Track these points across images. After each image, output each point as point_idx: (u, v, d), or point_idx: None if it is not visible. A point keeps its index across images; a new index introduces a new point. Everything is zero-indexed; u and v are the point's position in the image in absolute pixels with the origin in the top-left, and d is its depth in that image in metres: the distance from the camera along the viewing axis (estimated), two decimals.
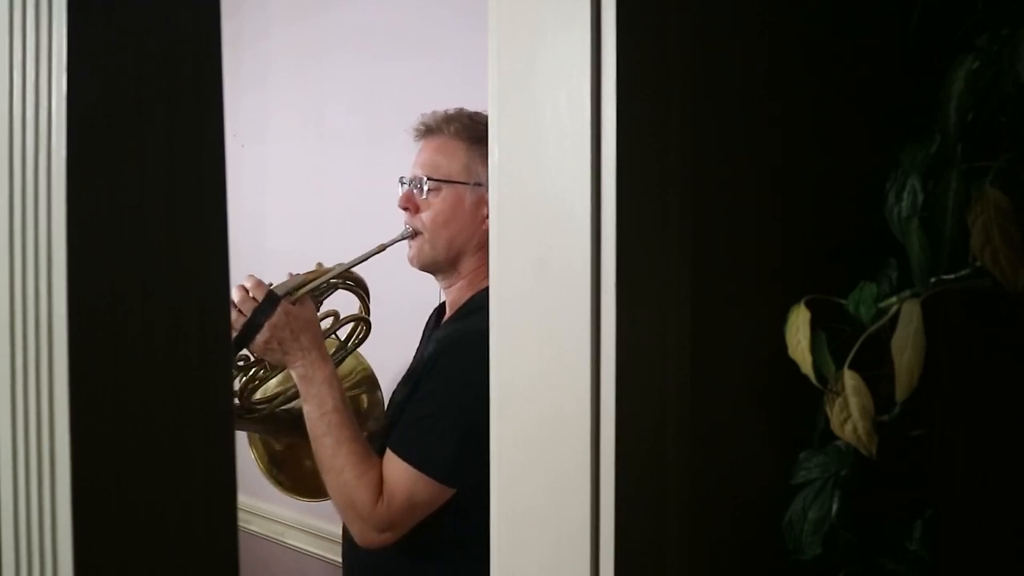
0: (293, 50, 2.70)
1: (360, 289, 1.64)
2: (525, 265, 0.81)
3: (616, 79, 0.74)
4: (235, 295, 1.47)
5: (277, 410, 1.63)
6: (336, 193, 2.56)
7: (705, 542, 0.84)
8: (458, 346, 1.46)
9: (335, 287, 1.60)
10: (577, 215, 0.76)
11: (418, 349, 1.73)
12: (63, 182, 0.61)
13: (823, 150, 0.92)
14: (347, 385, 1.68)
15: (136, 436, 0.65)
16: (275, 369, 1.59)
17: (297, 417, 1.65)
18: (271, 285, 1.51)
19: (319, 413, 1.46)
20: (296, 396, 1.60)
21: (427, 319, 1.78)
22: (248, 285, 1.48)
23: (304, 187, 2.68)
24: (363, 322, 1.66)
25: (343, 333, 1.67)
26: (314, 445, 1.47)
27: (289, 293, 1.49)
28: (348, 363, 1.71)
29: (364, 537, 1.45)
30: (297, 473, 1.71)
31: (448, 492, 1.42)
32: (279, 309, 1.46)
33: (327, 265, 1.58)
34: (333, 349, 1.63)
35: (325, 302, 1.61)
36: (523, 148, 0.81)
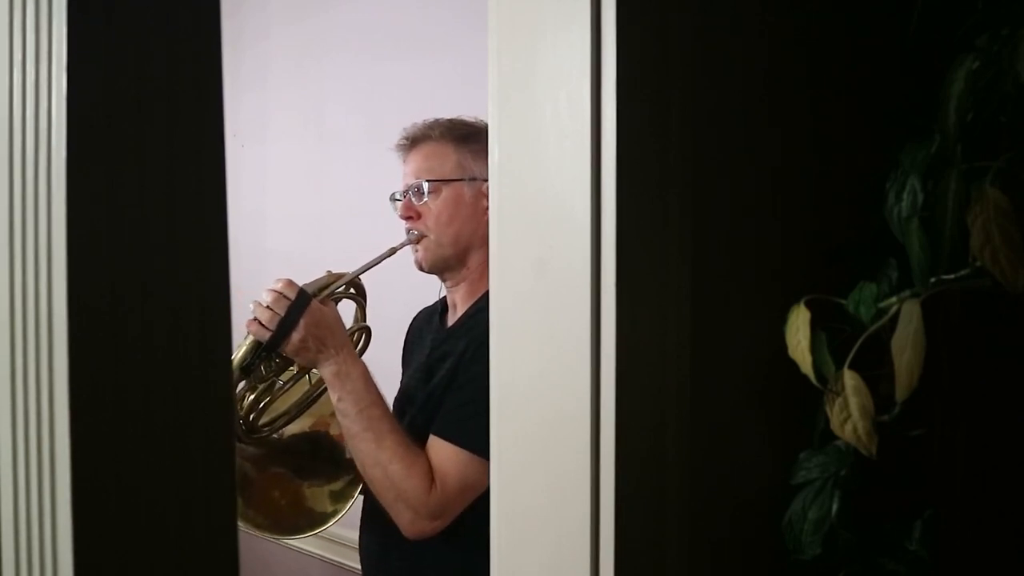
0: (293, 50, 2.70)
1: (361, 297, 1.65)
2: (525, 265, 0.81)
3: (616, 79, 0.74)
4: (266, 296, 1.48)
5: (271, 437, 1.62)
6: (336, 193, 2.56)
7: (705, 542, 0.84)
8: None
9: (341, 296, 1.61)
10: (577, 215, 0.76)
11: (411, 357, 1.72)
12: (63, 182, 0.61)
13: (823, 150, 0.92)
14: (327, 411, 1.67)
15: (136, 436, 0.65)
16: (279, 389, 1.58)
17: (287, 444, 1.66)
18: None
19: (357, 409, 1.46)
20: (290, 421, 1.61)
21: (411, 324, 1.77)
22: (278, 287, 1.49)
23: (304, 187, 2.68)
24: (364, 331, 1.66)
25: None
26: (352, 444, 1.47)
27: (315, 294, 1.51)
28: None
29: (415, 527, 1.44)
30: (271, 509, 1.69)
31: None
32: (312, 306, 1.48)
33: (332, 270, 1.59)
34: None
35: None
36: (523, 148, 0.81)
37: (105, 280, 0.63)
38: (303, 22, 2.66)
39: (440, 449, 1.44)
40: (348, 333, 1.61)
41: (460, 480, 1.42)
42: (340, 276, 1.57)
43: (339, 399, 1.48)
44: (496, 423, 0.84)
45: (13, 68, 0.64)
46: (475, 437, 1.41)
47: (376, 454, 1.45)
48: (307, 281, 1.54)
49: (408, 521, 1.44)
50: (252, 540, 2.63)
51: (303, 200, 2.67)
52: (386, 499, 1.46)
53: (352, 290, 1.62)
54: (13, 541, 0.65)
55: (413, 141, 1.61)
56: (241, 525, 1.63)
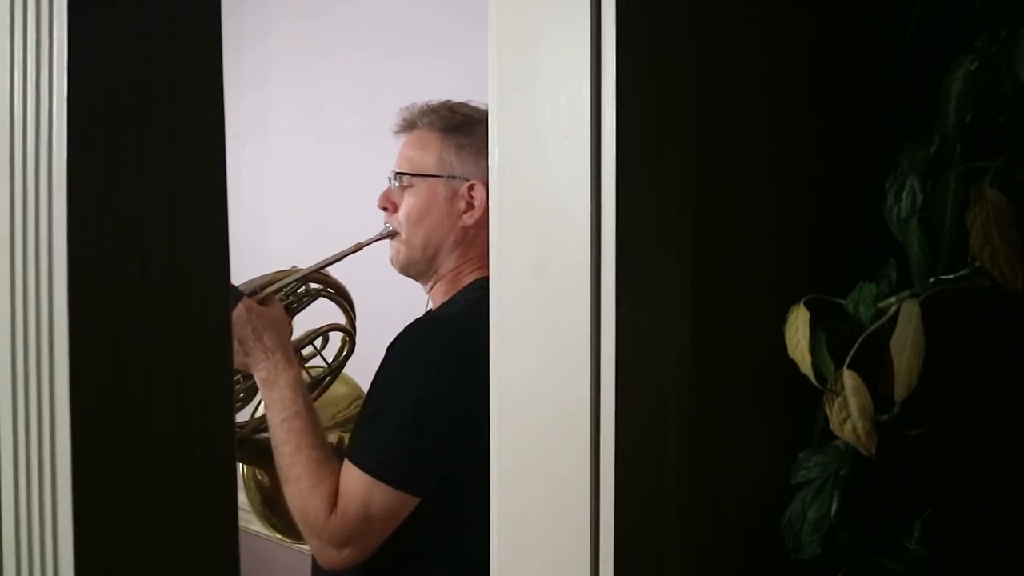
0: (293, 50, 2.70)
1: (341, 297, 1.54)
2: (525, 265, 0.81)
3: (616, 79, 0.74)
4: None
5: (257, 437, 1.53)
6: (336, 193, 2.56)
7: (705, 542, 0.84)
8: (410, 334, 1.36)
9: (315, 295, 1.51)
10: (577, 215, 0.76)
11: None
12: (63, 182, 0.61)
13: (823, 150, 0.92)
14: (340, 418, 1.59)
15: (136, 436, 0.65)
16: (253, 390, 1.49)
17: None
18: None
19: (280, 419, 1.35)
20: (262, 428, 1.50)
21: None
22: None
23: (304, 187, 2.68)
24: (343, 332, 1.55)
25: (329, 353, 1.57)
26: (275, 454, 1.36)
27: (254, 292, 1.41)
28: (340, 389, 1.59)
29: (322, 555, 1.32)
30: (287, 511, 1.60)
31: (409, 501, 1.29)
32: (240, 306, 1.37)
33: (297, 266, 1.51)
34: (318, 371, 1.54)
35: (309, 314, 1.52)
36: (523, 148, 0.81)
37: (106, 280, 0.63)
38: (303, 22, 2.66)
39: (346, 471, 1.31)
40: (321, 332, 1.52)
41: (361, 507, 1.28)
42: (287, 273, 1.46)
43: (267, 407, 1.38)
44: (496, 423, 0.84)
45: (14, 68, 0.64)
46: (377, 458, 1.29)
47: (289, 469, 1.33)
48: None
49: (316, 548, 1.32)
50: (252, 540, 2.63)
51: (303, 200, 2.67)
52: (296, 520, 1.35)
53: (331, 289, 1.52)
54: (14, 541, 0.66)
55: (408, 126, 1.50)
56: (276, 535, 1.58)
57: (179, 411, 0.67)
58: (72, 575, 0.62)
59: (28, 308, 0.64)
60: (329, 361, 1.56)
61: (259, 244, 2.61)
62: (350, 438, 1.39)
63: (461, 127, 1.45)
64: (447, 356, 1.32)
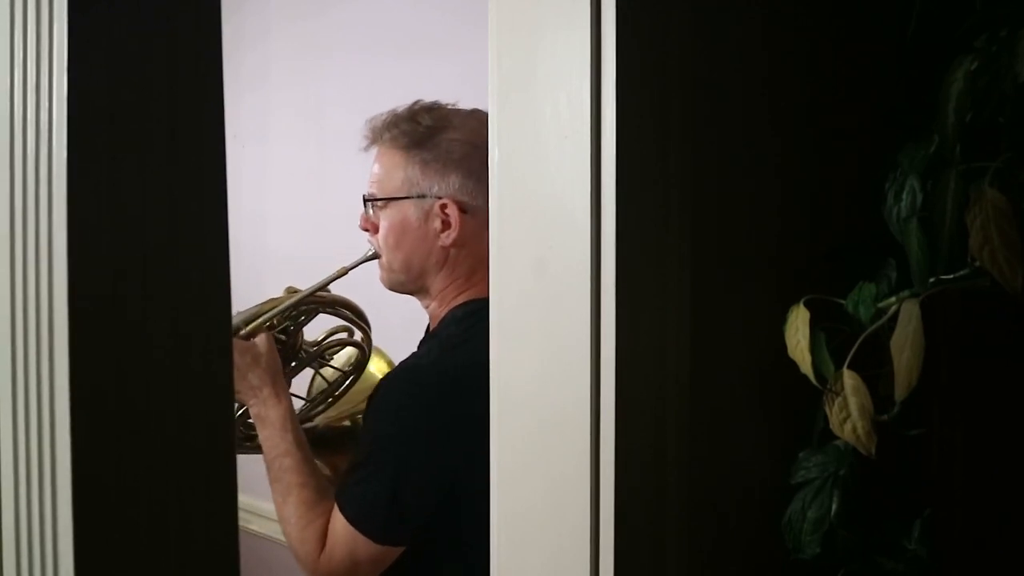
0: (293, 50, 2.70)
1: (346, 310, 1.51)
2: (525, 265, 0.81)
3: (616, 79, 0.74)
4: None
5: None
6: (336, 193, 2.56)
7: (705, 542, 0.84)
8: (387, 387, 1.37)
9: (315, 311, 1.49)
10: (577, 215, 0.76)
11: None
12: (63, 182, 0.61)
13: (823, 150, 0.92)
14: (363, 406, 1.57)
15: (136, 436, 0.65)
16: None
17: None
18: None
19: (270, 457, 1.38)
20: (305, 421, 1.51)
21: None
22: None
23: (304, 187, 2.68)
24: (355, 347, 1.54)
25: (340, 359, 1.56)
26: (271, 489, 1.39)
27: (236, 329, 1.39)
28: (375, 374, 1.58)
29: None
30: None
31: (394, 550, 1.32)
32: None
33: (294, 286, 1.48)
34: (333, 378, 1.55)
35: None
36: (523, 148, 0.81)
37: (105, 280, 0.63)
38: (303, 22, 2.66)
39: (335, 516, 1.32)
40: (327, 347, 1.51)
41: (348, 553, 1.30)
42: (276, 302, 1.43)
43: (261, 441, 1.39)
44: (496, 423, 0.84)
45: (14, 68, 0.64)
46: (360, 510, 1.30)
47: (281, 508, 1.36)
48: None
49: None
50: (252, 540, 2.63)
51: (304, 200, 2.67)
52: (293, 555, 1.38)
53: (338, 305, 1.50)
54: (14, 541, 0.66)
55: (374, 138, 1.43)
56: None
57: (179, 411, 0.67)
58: (72, 575, 0.62)
59: (28, 307, 0.64)
60: (344, 369, 1.56)
61: (259, 244, 2.61)
62: (343, 474, 1.39)
63: (423, 141, 1.39)
64: (424, 412, 1.32)
